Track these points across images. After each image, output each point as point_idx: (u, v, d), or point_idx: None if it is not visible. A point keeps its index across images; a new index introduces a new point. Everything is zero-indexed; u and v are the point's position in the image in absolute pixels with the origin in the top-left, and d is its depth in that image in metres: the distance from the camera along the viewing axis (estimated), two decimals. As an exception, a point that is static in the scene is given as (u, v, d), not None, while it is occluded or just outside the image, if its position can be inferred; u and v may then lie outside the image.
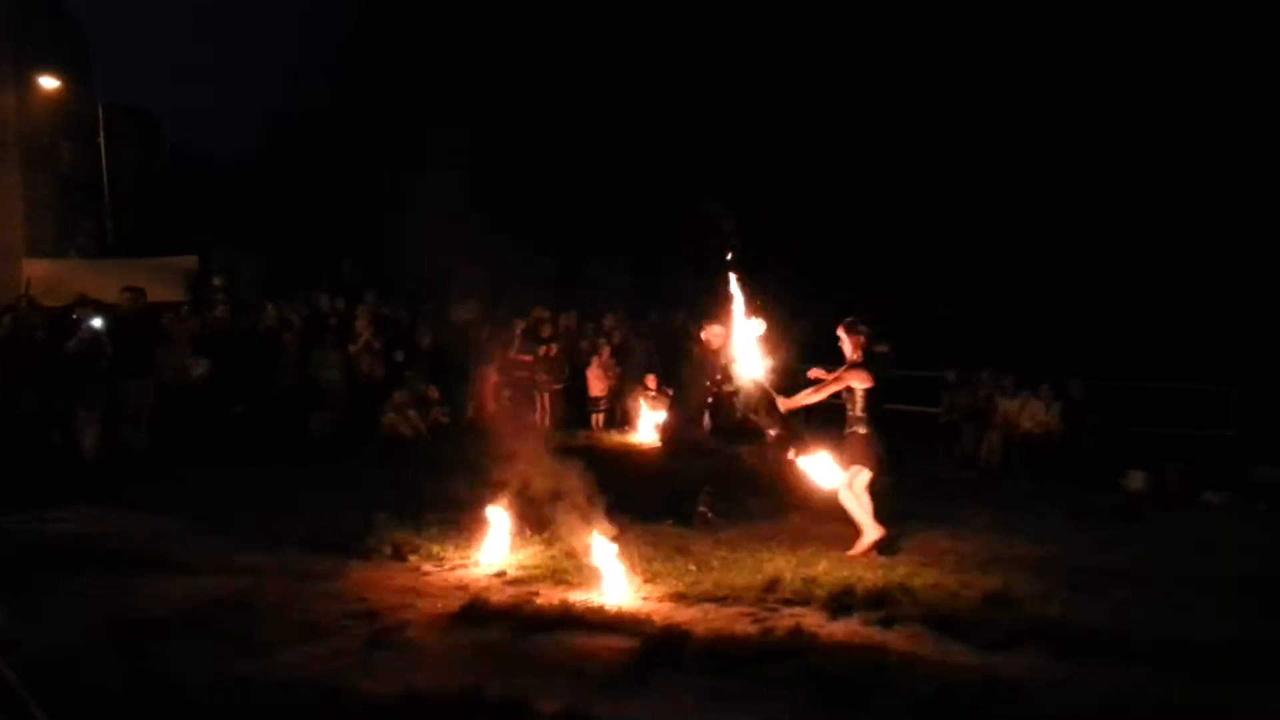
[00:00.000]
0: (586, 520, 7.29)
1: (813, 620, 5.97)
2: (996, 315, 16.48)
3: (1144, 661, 5.31)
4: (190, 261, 17.00)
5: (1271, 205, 16.22)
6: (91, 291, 12.67)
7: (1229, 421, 11.84)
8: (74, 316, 11.88)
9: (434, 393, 14.00)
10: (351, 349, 13.76)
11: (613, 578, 6.61)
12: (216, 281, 15.18)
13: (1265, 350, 14.04)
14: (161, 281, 14.73)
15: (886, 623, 5.95)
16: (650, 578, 6.74)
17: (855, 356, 7.64)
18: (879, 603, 6.24)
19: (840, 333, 7.77)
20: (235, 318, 13.62)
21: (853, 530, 7.59)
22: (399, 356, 14.09)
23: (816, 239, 18.96)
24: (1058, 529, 8.66)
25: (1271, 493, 10.39)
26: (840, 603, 6.25)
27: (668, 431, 9.91)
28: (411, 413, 13.59)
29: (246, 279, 17.13)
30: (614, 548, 6.73)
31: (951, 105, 19.09)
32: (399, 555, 7.40)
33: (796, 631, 5.73)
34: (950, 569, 7.04)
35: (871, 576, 6.76)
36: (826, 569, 6.93)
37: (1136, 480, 11.00)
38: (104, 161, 25.76)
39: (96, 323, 11.21)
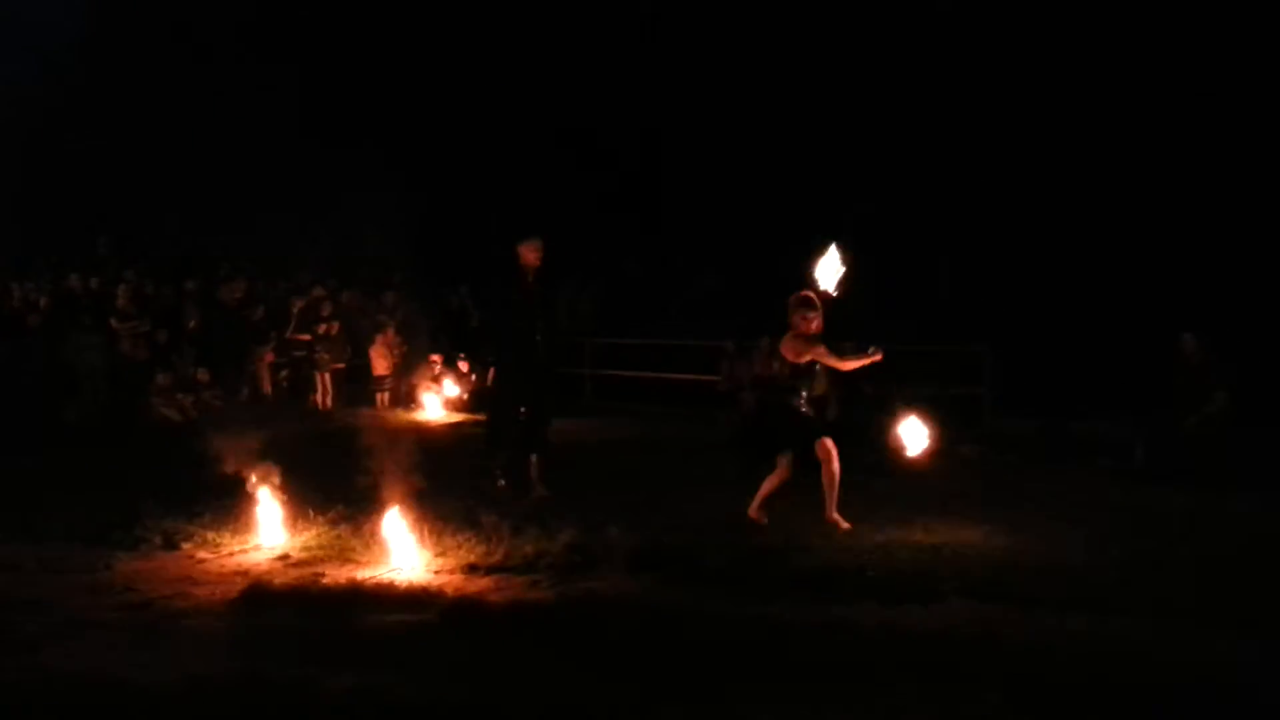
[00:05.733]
0: (372, 497, 7.16)
1: (607, 583, 6.09)
2: (765, 285, 16.92)
3: (909, 602, 5.67)
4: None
5: (1022, 171, 16.87)
6: None
7: (981, 379, 12.84)
8: None
9: (204, 375, 13.31)
10: (114, 324, 12.90)
11: (401, 553, 6.52)
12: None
13: (1015, 311, 15.07)
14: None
15: (678, 580, 6.13)
16: (441, 551, 6.66)
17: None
18: (670, 562, 6.43)
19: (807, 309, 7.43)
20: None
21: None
22: (162, 337, 13.33)
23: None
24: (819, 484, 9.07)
25: (1020, 445, 11.31)
26: (633, 564, 6.41)
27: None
28: (180, 396, 12.89)
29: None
30: (401, 523, 6.63)
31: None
32: (170, 544, 7.01)
33: (590, 594, 5.83)
34: (731, 527, 7.34)
35: (662, 538, 6.95)
36: (619, 533, 7.06)
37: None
38: None
39: None
